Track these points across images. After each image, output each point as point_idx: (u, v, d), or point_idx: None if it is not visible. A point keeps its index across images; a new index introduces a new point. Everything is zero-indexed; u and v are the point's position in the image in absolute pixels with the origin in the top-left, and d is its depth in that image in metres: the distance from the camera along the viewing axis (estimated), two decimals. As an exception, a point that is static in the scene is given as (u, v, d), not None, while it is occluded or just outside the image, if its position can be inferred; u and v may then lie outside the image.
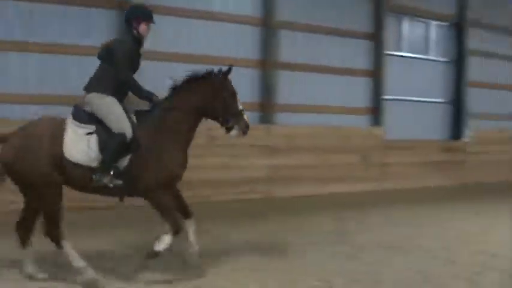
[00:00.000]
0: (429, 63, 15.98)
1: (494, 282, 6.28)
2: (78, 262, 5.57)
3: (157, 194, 5.67)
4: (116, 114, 5.60)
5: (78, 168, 5.51)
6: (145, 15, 5.90)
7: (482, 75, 16.70)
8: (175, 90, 5.88)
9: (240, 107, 5.92)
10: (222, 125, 5.97)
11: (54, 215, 5.50)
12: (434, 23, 16.04)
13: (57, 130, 5.54)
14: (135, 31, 5.84)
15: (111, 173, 5.52)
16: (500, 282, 6.32)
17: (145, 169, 5.59)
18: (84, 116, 5.62)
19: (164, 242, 5.63)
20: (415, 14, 15.47)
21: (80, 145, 5.51)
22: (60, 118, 5.71)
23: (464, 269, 6.69)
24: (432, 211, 11.11)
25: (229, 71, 5.94)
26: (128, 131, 5.58)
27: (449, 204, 11.94)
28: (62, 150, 5.47)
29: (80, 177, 5.55)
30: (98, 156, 5.52)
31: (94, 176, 5.51)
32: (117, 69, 5.62)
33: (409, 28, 15.55)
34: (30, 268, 5.68)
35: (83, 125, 5.58)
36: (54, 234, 5.53)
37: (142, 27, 5.86)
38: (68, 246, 5.56)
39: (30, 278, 5.61)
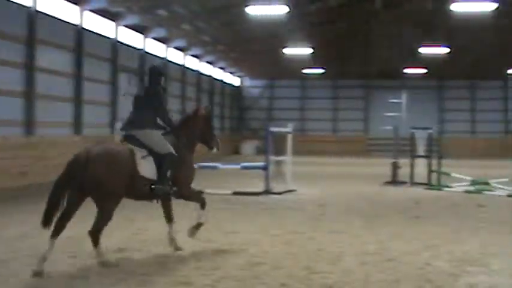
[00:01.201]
0: None
1: None
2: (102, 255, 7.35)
3: (188, 190, 8.35)
4: (162, 141, 7.91)
5: (145, 181, 7.59)
6: (164, 72, 8.71)
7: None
8: (181, 122, 8.47)
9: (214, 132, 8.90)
10: (207, 145, 8.80)
11: (106, 219, 7.30)
12: None
13: (132, 154, 7.53)
14: (162, 83, 8.24)
15: (170, 182, 7.88)
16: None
17: (183, 176, 8.15)
18: (139, 143, 7.72)
19: (204, 214, 8.44)
20: None
21: (147, 165, 7.62)
22: (126, 145, 7.74)
23: None
24: None
25: (211, 108, 9.03)
26: (172, 151, 7.91)
27: None
28: (137, 169, 7.50)
29: (143, 189, 7.61)
30: (156, 172, 7.69)
31: (155, 187, 7.67)
32: (163, 112, 8.09)
33: None
34: (47, 253, 6.91)
35: (139, 149, 7.65)
36: (96, 236, 7.27)
37: (163, 80, 8.31)
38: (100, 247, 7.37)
39: (43, 259, 6.87)
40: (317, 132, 45.52)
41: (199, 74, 35.81)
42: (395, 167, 19.35)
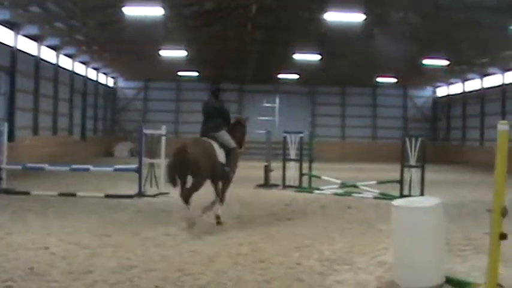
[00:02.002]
0: None
1: None
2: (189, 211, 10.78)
3: (234, 172, 11.92)
4: (230, 139, 11.74)
5: (220, 165, 11.27)
6: (223, 89, 12.67)
7: None
8: (232, 127, 12.18)
9: None
10: (240, 145, 12.23)
11: (197, 189, 10.82)
12: None
13: (213, 147, 11.23)
14: (220, 98, 12.06)
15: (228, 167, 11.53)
16: None
17: (233, 164, 11.84)
18: (215, 140, 11.41)
19: (227, 194, 12.06)
20: None
21: (220, 153, 11.33)
22: (209, 140, 11.36)
23: None
24: None
25: (247, 118, 13.19)
26: (235, 145, 11.84)
27: None
28: (217, 157, 11.18)
29: (219, 170, 11.28)
30: (225, 159, 11.43)
31: (225, 169, 11.42)
32: (228, 119, 11.94)
33: None
34: (189, 212, 10.76)
35: (215, 143, 11.35)
36: (188, 197, 10.72)
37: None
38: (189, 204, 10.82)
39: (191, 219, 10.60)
40: (191, 135, 45.45)
41: (72, 73, 34.72)
42: (267, 170, 19.79)
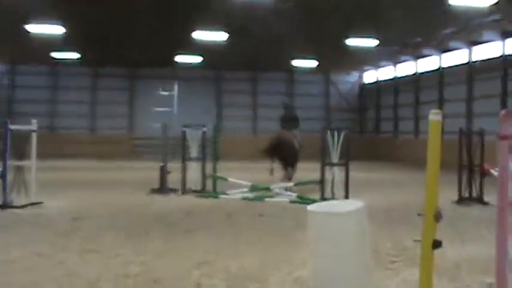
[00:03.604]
0: None
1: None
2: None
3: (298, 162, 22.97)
4: (299, 136, 23.23)
5: (294, 148, 22.09)
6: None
7: None
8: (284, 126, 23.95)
9: None
10: None
11: (296, 170, 22.36)
12: None
13: (295, 138, 22.53)
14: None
15: None
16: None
17: (299, 154, 22.79)
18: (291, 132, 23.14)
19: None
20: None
21: (295, 140, 22.55)
22: (292, 134, 22.74)
23: None
24: None
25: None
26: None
27: None
28: (295, 144, 22.09)
29: (297, 156, 22.46)
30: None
31: (298, 155, 22.85)
32: (299, 123, 24.34)
33: None
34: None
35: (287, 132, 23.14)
36: (290, 178, 21.63)
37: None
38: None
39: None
40: (71, 131, 44.73)
41: None
42: (163, 171, 19.64)
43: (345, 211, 7.10)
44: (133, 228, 12.71)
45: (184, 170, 19.56)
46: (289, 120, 23.68)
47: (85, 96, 45.72)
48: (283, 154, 21.43)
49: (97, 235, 11.79)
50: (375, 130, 47.34)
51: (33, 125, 16.57)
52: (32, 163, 16.25)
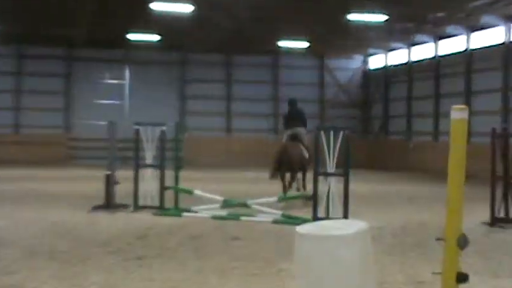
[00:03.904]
0: None
1: None
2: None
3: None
4: (306, 136, 24.02)
5: (305, 160, 22.93)
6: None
7: None
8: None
9: None
10: None
11: (295, 176, 22.96)
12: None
13: (301, 147, 23.25)
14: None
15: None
16: None
17: (310, 160, 21.86)
18: (299, 138, 23.81)
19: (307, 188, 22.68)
20: None
21: (304, 151, 23.23)
22: (299, 142, 23.46)
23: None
24: None
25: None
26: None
27: None
28: (304, 155, 23.05)
29: (305, 163, 23.01)
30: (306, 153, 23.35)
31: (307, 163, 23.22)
32: (306, 120, 24.87)
33: None
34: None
35: (301, 143, 23.60)
36: (305, 186, 23.14)
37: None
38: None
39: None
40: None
41: None
42: (110, 182, 19.54)
43: (344, 234, 7.08)
44: (69, 256, 12.62)
45: (137, 181, 19.52)
46: (294, 118, 24.48)
47: (6, 84, 45.20)
48: (294, 167, 22.88)
49: (20, 265, 11.70)
50: (382, 131, 47.33)
51: None
52: None
